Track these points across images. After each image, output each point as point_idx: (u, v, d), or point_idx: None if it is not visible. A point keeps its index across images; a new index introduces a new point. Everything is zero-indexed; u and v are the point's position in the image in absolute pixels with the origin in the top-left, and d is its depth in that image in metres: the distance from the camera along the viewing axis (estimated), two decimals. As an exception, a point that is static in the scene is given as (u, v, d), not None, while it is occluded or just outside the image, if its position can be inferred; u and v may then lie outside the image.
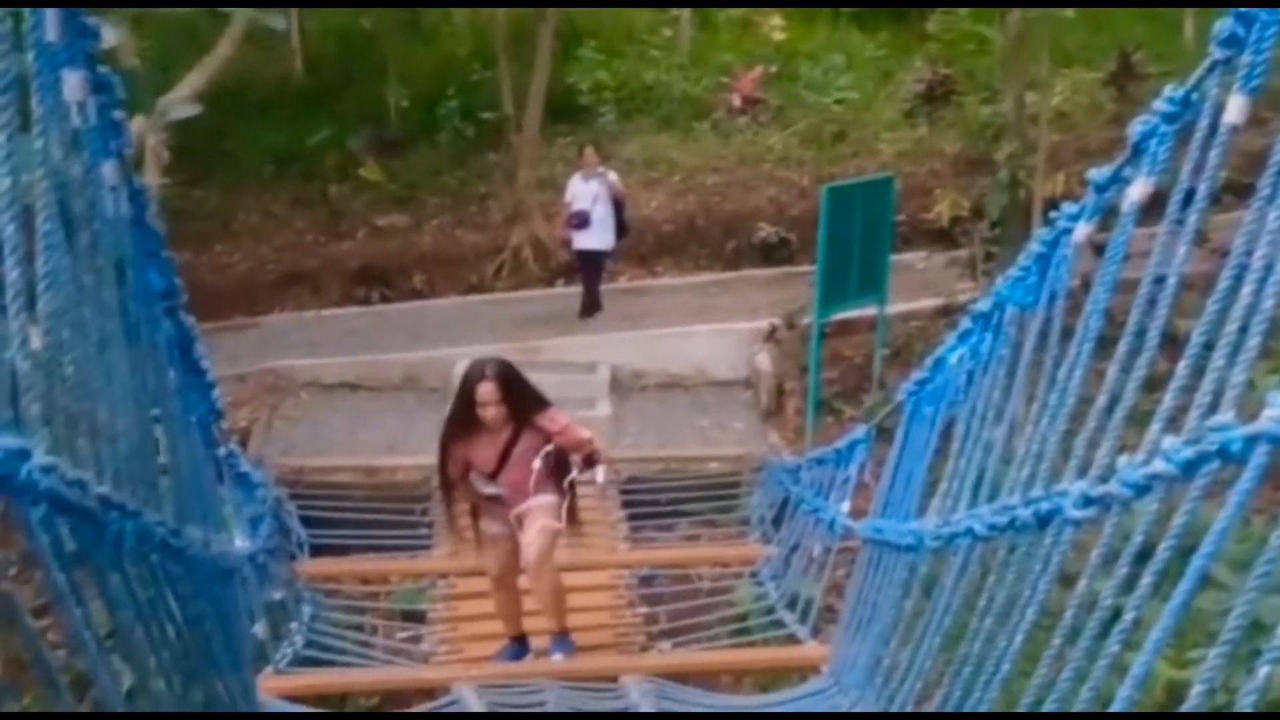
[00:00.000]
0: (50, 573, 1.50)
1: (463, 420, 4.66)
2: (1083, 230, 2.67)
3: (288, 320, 11.33)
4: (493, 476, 4.73)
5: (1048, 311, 2.77)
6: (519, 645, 5.02)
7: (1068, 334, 2.61)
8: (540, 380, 9.13)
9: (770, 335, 9.76)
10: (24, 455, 1.35)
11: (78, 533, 1.69)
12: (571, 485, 4.80)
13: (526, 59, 12.35)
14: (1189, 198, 2.19)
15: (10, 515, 1.59)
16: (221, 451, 4.10)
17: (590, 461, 4.78)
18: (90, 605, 1.80)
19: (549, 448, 4.68)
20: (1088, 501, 2.06)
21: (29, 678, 1.73)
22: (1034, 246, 2.87)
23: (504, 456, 4.69)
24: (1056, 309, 2.72)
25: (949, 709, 2.75)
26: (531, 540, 4.67)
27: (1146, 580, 1.93)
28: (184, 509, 2.65)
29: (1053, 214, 2.87)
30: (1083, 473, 2.18)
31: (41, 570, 1.52)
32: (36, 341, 1.50)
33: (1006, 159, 9.82)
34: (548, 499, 4.74)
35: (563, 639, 4.93)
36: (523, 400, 4.67)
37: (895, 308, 9.27)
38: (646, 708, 4.05)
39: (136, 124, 6.86)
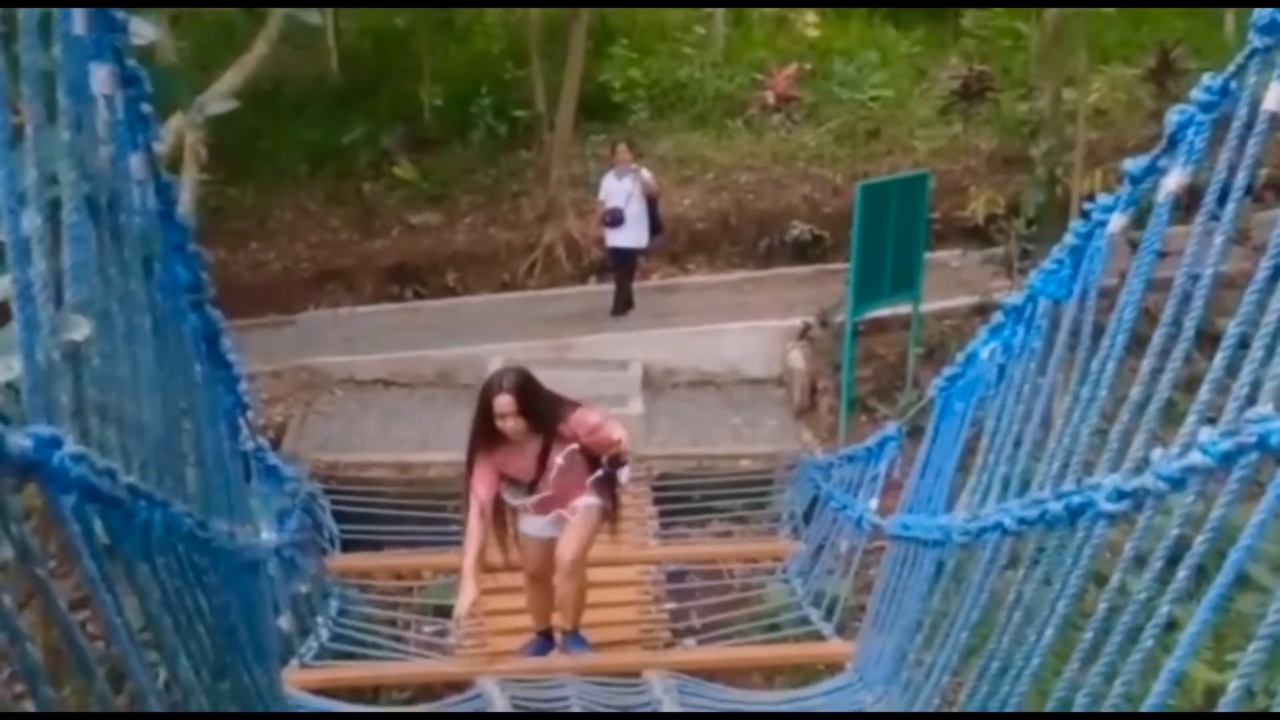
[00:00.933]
0: (83, 560, 1.52)
1: (485, 433, 4.57)
2: (1117, 222, 2.63)
3: (322, 317, 11.42)
4: (532, 486, 4.69)
5: (1081, 305, 2.73)
6: (546, 640, 5.02)
7: (1101, 328, 2.57)
8: (572, 378, 9.28)
9: (803, 333, 9.71)
10: (55, 443, 1.36)
11: (107, 521, 1.71)
12: (607, 481, 4.71)
13: (559, 57, 12.38)
14: (1226, 190, 2.15)
15: (47, 508, 1.61)
16: (250, 445, 4.13)
17: (616, 462, 4.67)
18: (123, 597, 1.82)
19: (573, 446, 4.61)
20: (1121, 495, 2.03)
21: (67, 667, 1.75)
22: (1068, 239, 2.83)
23: (541, 464, 4.63)
24: (1090, 302, 2.68)
25: (975, 705, 2.72)
26: (570, 541, 4.65)
27: (1181, 576, 1.90)
28: (210, 501, 2.67)
29: (1086, 206, 2.83)
30: (1116, 466, 2.15)
31: (75, 560, 1.54)
32: (78, 334, 1.51)
33: (1043, 156, 9.69)
34: (591, 501, 4.70)
35: (578, 637, 4.92)
36: (544, 409, 4.56)
37: (929, 306, 9.19)
38: (669, 704, 4.03)
39: (175, 121, 6.94)
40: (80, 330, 1.64)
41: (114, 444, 1.80)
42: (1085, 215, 2.83)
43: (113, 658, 1.88)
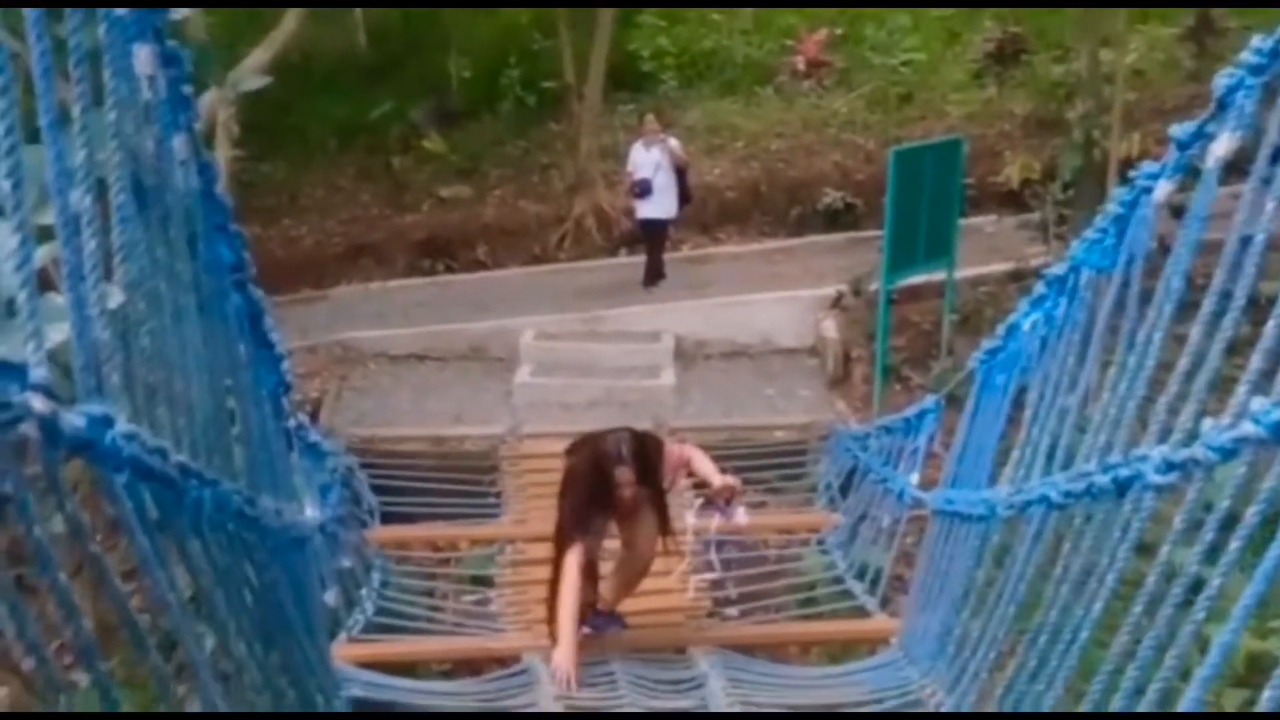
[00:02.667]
0: (135, 537, 1.54)
1: (595, 504, 4.36)
2: (1164, 189, 2.58)
3: (355, 292, 11.48)
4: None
5: (1126, 274, 2.69)
6: (589, 611, 4.93)
7: (1147, 297, 2.53)
8: (604, 351, 9.28)
9: (836, 302, 9.66)
10: (108, 422, 1.37)
11: (158, 499, 1.73)
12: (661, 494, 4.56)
13: (587, 27, 12.28)
14: (1278, 154, 2.10)
15: (96, 481, 1.63)
16: (291, 423, 4.17)
17: (729, 501, 4.57)
18: (171, 572, 1.84)
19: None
20: (1170, 467, 2.01)
21: (117, 640, 1.78)
22: (1112, 207, 2.79)
23: (627, 512, 4.54)
24: (1135, 271, 2.64)
25: (1024, 679, 2.71)
26: (652, 542, 4.60)
27: (1233, 548, 1.88)
28: (257, 479, 2.70)
29: (1131, 173, 2.78)
30: (1164, 438, 2.12)
31: (128, 537, 1.56)
32: (115, 301, 1.51)
33: (1080, 119, 9.54)
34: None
35: (616, 616, 4.88)
36: (655, 466, 4.42)
37: (964, 273, 9.09)
38: (715, 680, 4.04)
39: (207, 98, 6.97)
40: (114, 299, 1.64)
41: (164, 422, 1.82)
42: (1129, 182, 2.78)
43: (161, 628, 1.91)
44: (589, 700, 3.99)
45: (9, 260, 1.21)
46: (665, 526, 4.59)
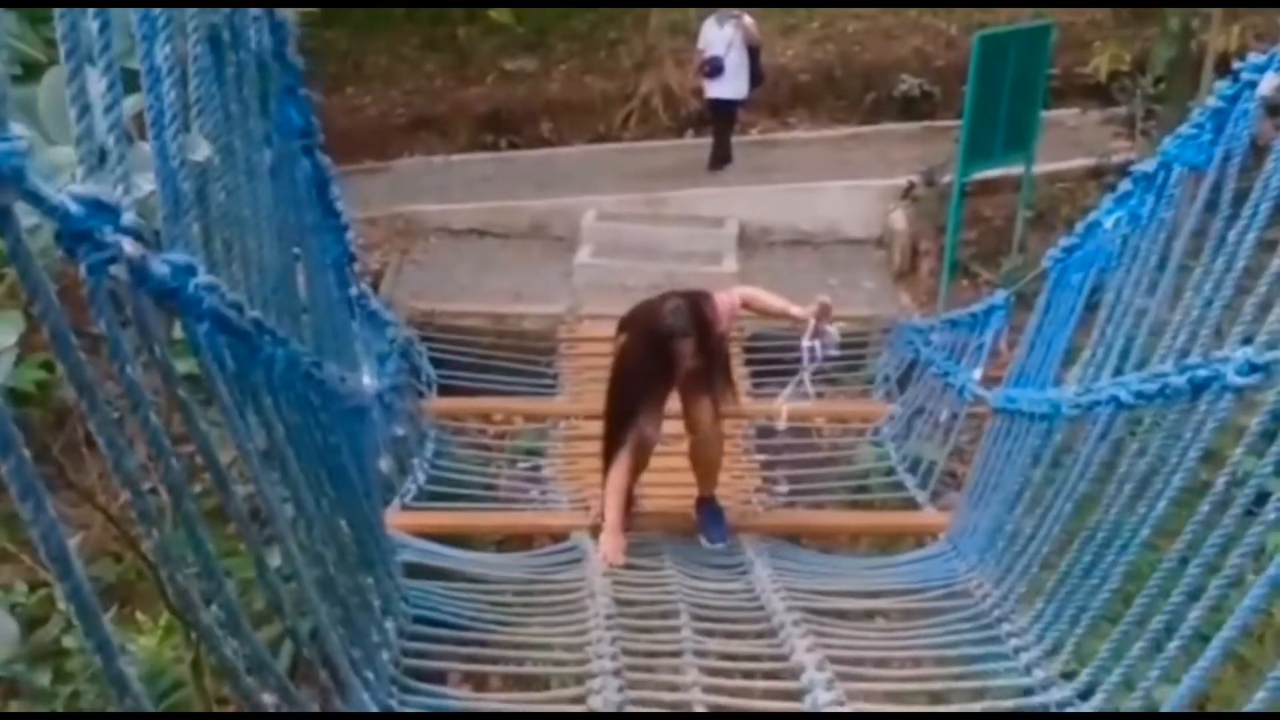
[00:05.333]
0: (217, 386, 1.57)
1: (656, 384, 4.09)
2: (1269, 82, 2.45)
3: (417, 165, 11.45)
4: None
5: (1220, 172, 2.57)
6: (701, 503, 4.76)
7: (1241, 198, 2.43)
8: (666, 234, 9.20)
9: (907, 193, 9.43)
10: (190, 271, 1.39)
11: (234, 352, 1.76)
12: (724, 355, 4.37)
13: (662, -105, 11.85)
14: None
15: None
16: (353, 292, 4.19)
17: (820, 332, 4.31)
18: (249, 422, 1.89)
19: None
20: (1253, 368, 1.95)
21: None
22: (1211, 101, 2.66)
23: (689, 390, 4.33)
24: (1232, 169, 2.52)
25: (1077, 574, 2.71)
26: (711, 410, 4.40)
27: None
28: (322, 345, 2.74)
29: (1234, 66, 2.64)
30: (1248, 340, 2.06)
31: (210, 386, 1.60)
32: (198, 154, 1.52)
33: (1177, 8, 9.06)
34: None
35: (715, 507, 4.66)
36: (713, 331, 4.12)
37: (1042, 167, 8.80)
38: (761, 568, 4.07)
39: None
40: (201, 151, 1.65)
41: (239, 278, 1.84)
42: (1231, 74, 2.64)
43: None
44: (633, 574, 4.01)
45: (98, 105, 1.21)
46: (717, 406, 4.33)
